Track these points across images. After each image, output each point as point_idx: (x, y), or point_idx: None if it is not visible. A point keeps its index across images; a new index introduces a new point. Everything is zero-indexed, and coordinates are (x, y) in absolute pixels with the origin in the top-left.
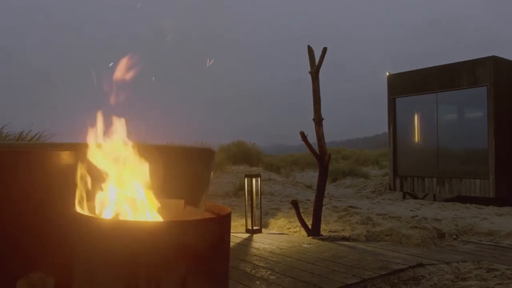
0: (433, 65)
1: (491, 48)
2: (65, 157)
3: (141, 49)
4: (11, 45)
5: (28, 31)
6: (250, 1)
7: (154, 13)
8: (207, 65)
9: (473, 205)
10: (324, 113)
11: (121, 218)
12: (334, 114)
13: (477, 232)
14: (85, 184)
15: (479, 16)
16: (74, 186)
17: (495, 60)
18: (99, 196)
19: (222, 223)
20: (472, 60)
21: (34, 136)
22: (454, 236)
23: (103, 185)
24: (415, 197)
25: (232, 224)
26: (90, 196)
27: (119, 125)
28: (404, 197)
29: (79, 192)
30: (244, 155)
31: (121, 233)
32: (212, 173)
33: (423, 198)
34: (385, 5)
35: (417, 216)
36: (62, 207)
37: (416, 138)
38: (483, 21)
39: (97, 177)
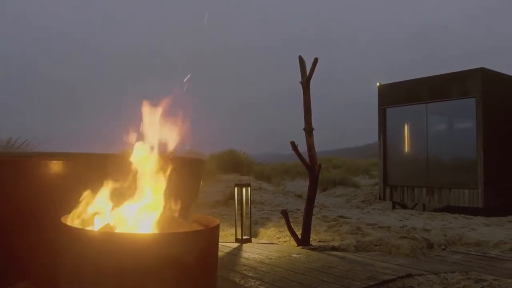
0: (423, 76)
1: (478, 59)
2: (54, 166)
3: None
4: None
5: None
6: (239, 9)
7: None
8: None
9: (462, 215)
10: (315, 122)
11: (109, 230)
12: (325, 124)
13: (466, 242)
14: (75, 194)
15: (465, 28)
16: (63, 196)
17: (483, 72)
18: (88, 207)
19: (210, 235)
20: (462, 71)
21: (22, 143)
22: (443, 246)
23: (92, 196)
24: (404, 207)
25: (222, 233)
26: (79, 207)
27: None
28: (394, 207)
29: (69, 202)
30: (235, 164)
31: (108, 245)
32: (201, 182)
33: (412, 208)
34: (376, 15)
35: (406, 226)
36: (50, 217)
37: (406, 148)
38: (469, 33)
39: (87, 187)
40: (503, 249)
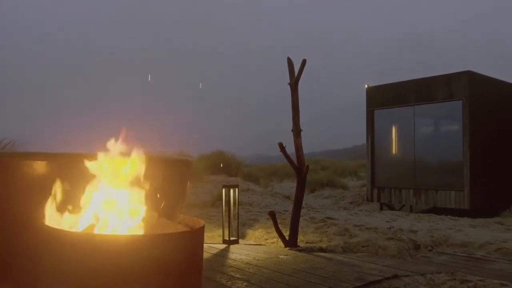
0: (410, 79)
1: (467, 67)
2: (36, 167)
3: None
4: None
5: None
6: (228, 11)
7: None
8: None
9: (448, 216)
10: (303, 123)
11: (91, 231)
12: (314, 125)
13: (452, 244)
14: (58, 195)
15: (452, 33)
16: (45, 197)
17: (470, 75)
18: (70, 209)
19: (195, 237)
20: (448, 74)
21: (7, 144)
22: (429, 248)
23: (74, 197)
24: (392, 208)
25: (209, 234)
26: (62, 208)
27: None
28: (381, 208)
29: (51, 204)
30: (223, 165)
31: (90, 246)
32: (188, 183)
33: (400, 209)
34: (364, 18)
35: (393, 227)
36: (31, 218)
37: (394, 150)
38: (456, 39)
39: (70, 189)
40: (488, 250)
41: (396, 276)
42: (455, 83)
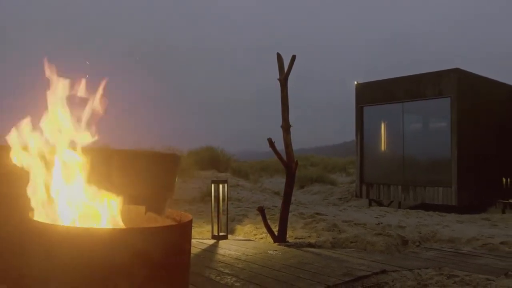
0: (399, 76)
1: (451, 63)
2: (8, 155)
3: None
4: None
5: None
6: (217, 6)
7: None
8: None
9: (436, 212)
10: (293, 120)
11: (78, 224)
12: (303, 121)
13: (439, 239)
14: (42, 188)
15: (440, 33)
16: (26, 188)
17: (459, 72)
18: (55, 202)
19: (182, 230)
20: (437, 71)
21: None
22: (417, 243)
23: (60, 190)
24: (380, 204)
25: (198, 230)
26: (47, 201)
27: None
28: (370, 204)
29: (35, 197)
30: (212, 161)
31: (77, 240)
32: (177, 178)
33: (388, 206)
34: (354, 16)
35: (381, 223)
36: (16, 212)
37: (383, 146)
38: (444, 39)
39: (54, 181)
40: (475, 245)
41: (384, 271)
42: (444, 80)
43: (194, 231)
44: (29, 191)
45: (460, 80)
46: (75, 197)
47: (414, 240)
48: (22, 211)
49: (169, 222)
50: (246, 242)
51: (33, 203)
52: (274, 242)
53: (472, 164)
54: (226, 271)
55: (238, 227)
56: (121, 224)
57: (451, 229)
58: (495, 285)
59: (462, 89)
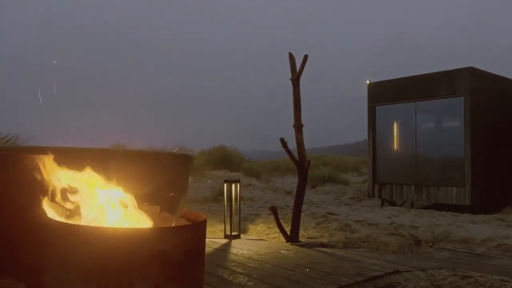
0: (411, 75)
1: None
2: (37, 161)
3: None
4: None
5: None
6: (231, 5)
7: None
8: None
9: (449, 212)
10: (305, 119)
11: (95, 224)
12: (315, 121)
13: (453, 239)
14: (59, 188)
15: (442, 33)
16: (47, 190)
17: (472, 71)
18: (73, 202)
19: (197, 230)
20: (450, 70)
21: (10, 139)
22: (430, 243)
23: (77, 190)
24: (393, 204)
25: (211, 229)
26: (64, 201)
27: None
28: (382, 204)
29: (52, 197)
30: (224, 160)
31: (94, 239)
32: (190, 178)
33: (401, 205)
34: (364, 15)
35: (394, 223)
36: (34, 211)
37: (395, 146)
38: (454, 39)
39: (71, 182)
40: (489, 246)
41: (397, 272)
42: (457, 79)
43: (207, 231)
44: (52, 193)
45: (473, 78)
46: (93, 197)
47: (427, 240)
48: (38, 210)
49: (183, 222)
50: (259, 241)
51: (49, 203)
52: (287, 241)
53: (486, 163)
54: (239, 270)
55: (251, 226)
56: (143, 224)
57: (465, 229)
58: (510, 287)
59: (476, 88)
